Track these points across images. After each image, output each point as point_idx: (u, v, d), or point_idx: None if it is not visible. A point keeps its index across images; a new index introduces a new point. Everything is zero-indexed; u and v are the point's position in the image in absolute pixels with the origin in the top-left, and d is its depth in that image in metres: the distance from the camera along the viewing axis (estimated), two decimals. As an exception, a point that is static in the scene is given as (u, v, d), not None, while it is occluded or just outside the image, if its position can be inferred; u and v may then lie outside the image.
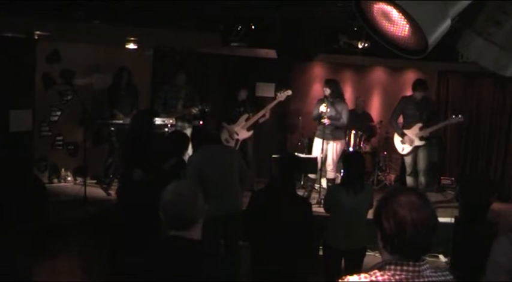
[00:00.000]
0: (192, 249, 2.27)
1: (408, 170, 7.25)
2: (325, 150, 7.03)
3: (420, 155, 7.10)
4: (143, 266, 2.26)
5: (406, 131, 7.07)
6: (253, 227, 4.23)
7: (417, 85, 7.06)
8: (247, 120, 7.55)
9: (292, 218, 4.06)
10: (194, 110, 7.20)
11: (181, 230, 2.29)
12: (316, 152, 7.20)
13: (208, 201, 4.44)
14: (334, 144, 7.14)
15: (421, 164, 7.12)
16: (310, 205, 4.45)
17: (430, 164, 7.40)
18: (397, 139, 7.23)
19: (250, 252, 4.12)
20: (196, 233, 2.32)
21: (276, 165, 4.65)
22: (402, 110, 7.16)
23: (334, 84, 7.09)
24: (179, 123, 7.30)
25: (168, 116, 7.16)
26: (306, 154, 7.57)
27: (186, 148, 5.22)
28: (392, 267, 1.75)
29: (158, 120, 6.97)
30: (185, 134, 5.55)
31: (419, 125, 6.99)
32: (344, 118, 7.00)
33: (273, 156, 6.97)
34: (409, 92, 9.04)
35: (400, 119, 7.28)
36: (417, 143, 7.02)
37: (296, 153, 7.38)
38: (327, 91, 6.99)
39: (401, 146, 7.18)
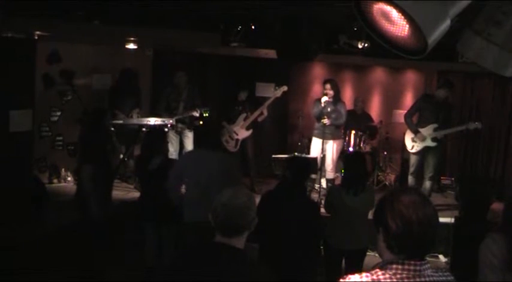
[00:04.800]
0: (235, 257, 2.24)
1: (411, 169, 7.10)
2: (324, 149, 7.04)
3: (429, 158, 6.96)
4: (184, 271, 2.22)
5: (419, 129, 6.91)
6: (262, 229, 4.23)
7: (444, 84, 6.93)
8: (245, 119, 7.55)
9: (302, 220, 4.05)
10: (194, 114, 7.21)
11: (228, 236, 2.27)
12: (315, 151, 7.20)
13: (185, 207, 4.45)
14: (334, 143, 7.19)
15: (430, 168, 6.98)
16: (319, 208, 4.44)
17: (438, 168, 7.31)
18: (408, 136, 7.07)
19: (259, 254, 4.11)
20: (240, 242, 2.31)
21: (287, 167, 4.55)
22: (420, 107, 7.01)
23: (336, 85, 7.16)
24: (180, 125, 7.32)
25: (170, 116, 7.20)
26: (306, 154, 7.57)
27: (165, 145, 5.17)
28: (394, 266, 1.76)
29: (158, 120, 7.00)
30: (161, 131, 5.57)
31: (435, 125, 6.84)
32: (344, 118, 7.14)
33: (273, 156, 6.97)
34: (409, 92, 9.10)
35: (413, 119, 7.12)
36: (428, 143, 6.87)
37: (296, 153, 7.42)
38: (331, 92, 7.00)
39: (412, 144, 7.00)
